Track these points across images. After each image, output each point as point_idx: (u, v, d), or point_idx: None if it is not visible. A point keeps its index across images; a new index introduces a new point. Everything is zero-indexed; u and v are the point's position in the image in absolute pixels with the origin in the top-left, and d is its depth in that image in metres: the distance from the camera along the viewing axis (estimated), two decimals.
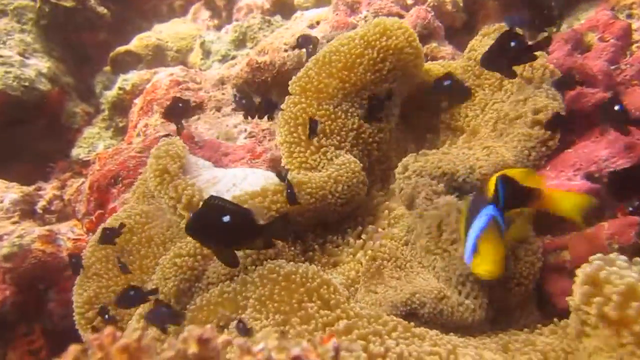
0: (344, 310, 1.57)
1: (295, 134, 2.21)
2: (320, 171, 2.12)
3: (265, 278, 1.67)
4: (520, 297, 1.68)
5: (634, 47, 2.11)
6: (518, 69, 1.93)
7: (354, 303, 1.66)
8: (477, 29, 3.74)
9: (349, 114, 2.24)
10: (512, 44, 1.75)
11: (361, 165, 2.13)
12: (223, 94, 3.13)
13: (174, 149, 2.14)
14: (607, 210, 1.67)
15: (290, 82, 2.30)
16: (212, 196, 1.58)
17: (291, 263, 1.75)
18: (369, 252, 1.91)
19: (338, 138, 2.21)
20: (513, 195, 1.51)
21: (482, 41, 2.38)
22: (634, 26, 3.02)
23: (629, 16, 3.10)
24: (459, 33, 3.68)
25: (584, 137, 1.88)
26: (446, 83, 2.20)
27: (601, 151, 1.73)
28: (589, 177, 1.71)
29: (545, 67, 1.94)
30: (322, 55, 2.26)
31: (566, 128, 1.84)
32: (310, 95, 2.24)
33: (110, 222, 2.27)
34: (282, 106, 2.28)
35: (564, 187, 1.71)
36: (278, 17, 4.69)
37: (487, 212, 1.49)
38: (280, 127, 2.25)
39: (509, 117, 1.98)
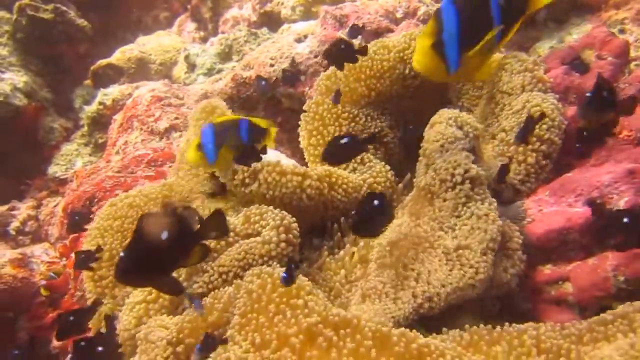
0: None
1: (319, 137, 2.22)
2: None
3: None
4: None
5: (632, 65, 2.04)
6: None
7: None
8: None
9: (370, 119, 2.28)
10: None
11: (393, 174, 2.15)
12: None
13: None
14: (610, 240, 1.57)
15: (317, 80, 2.35)
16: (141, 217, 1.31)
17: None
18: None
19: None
20: None
21: None
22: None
23: (621, 31, 3.04)
24: None
25: (583, 160, 1.80)
26: None
27: (603, 176, 1.63)
28: (590, 203, 1.62)
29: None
30: None
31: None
32: None
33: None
34: (305, 107, 2.29)
35: (564, 215, 1.61)
36: (265, 30, 4.61)
37: None
38: (303, 129, 2.26)
39: None
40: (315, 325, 1.41)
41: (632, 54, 2.25)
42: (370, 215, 1.50)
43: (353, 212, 1.48)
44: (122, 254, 1.24)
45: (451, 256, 1.57)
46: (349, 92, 2.28)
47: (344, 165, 2.15)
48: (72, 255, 2.29)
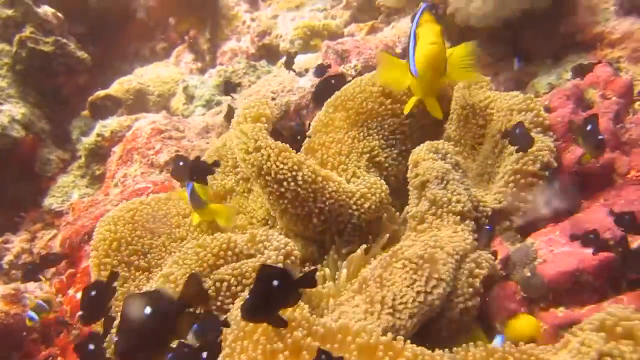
0: None
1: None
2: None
3: None
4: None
5: (636, 105, 2.05)
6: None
7: None
8: None
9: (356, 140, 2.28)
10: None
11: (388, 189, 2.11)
12: (207, 142, 3.00)
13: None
14: (624, 282, 1.55)
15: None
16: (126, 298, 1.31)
17: None
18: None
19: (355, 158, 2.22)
20: None
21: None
22: None
23: (617, 69, 3.09)
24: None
25: (593, 199, 1.79)
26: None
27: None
28: (603, 244, 1.60)
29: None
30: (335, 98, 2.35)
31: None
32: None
33: None
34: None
35: (577, 256, 1.59)
36: (264, 62, 4.64)
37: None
38: None
39: None
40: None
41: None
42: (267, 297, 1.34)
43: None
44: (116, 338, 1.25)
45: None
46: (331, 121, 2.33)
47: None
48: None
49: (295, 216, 2.01)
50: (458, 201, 1.77)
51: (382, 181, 2.12)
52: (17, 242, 3.18)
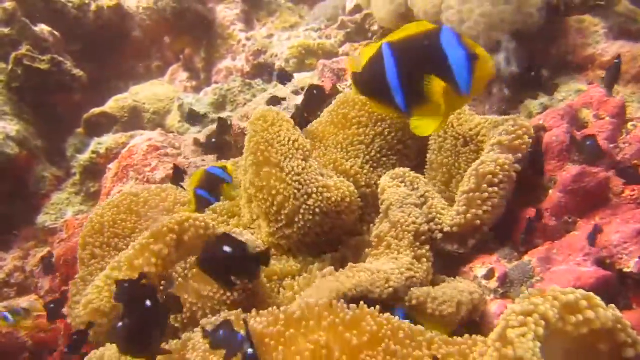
0: None
1: None
2: None
3: None
4: None
5: (629, 125, 2.08)
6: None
7: None
8: None
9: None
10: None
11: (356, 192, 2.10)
12: (203, 160, 3.00)
13: None
14: (620, 301, 1.56)
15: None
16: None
17: None
18: None
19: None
20: None
21: None
22: None
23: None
24: None
25: (588, 218, 1.80)
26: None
27: (612, 235, 1.64)
28: (600, 263, 1.61)
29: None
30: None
31: None
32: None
33: None
34: None
35: (574, 274, 1.60)
36: (259, 81, 4.67)
37: None
38: None
39: None
40: None
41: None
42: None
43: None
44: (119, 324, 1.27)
45: None
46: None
47: None
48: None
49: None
50: (413, 222, 1.86)
51: (351, 185, 2.11)
52: (9, 260, 3.15)
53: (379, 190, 2.03)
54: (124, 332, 1.25)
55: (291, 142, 2.02)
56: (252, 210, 2.18)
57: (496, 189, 1.84)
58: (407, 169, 2.07)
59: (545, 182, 1.91)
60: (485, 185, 1.84)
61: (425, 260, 1.82)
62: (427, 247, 1.86)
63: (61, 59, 3.97)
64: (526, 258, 1.75)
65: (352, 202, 2.06)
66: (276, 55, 4.82)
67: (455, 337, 1.37)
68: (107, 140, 3.64)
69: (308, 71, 4.26)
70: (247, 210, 2.23)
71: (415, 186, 2.00)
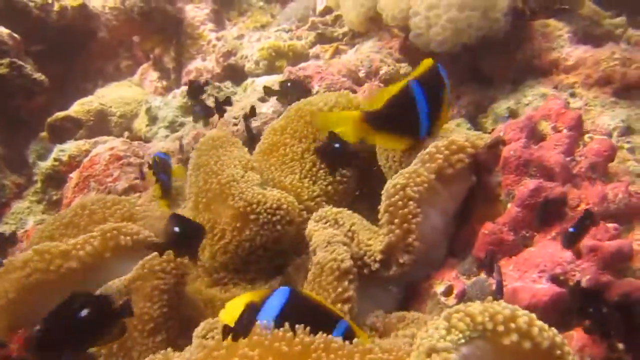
0: None
1: None
2: None
3: None
4: None
5: (586, 137, 2.10)
6: None
7: None
8: None
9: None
10: None
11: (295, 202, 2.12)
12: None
13: None
14: (575, 319, 1.57)
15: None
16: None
17: None
18: None
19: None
20: None
21: None
22: (577, 105, 3.10)
23: (572, 95, 3.18)
24: None
25: (544, 232, 1.81)
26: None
27: (565, 252, 1.65)
28: (554, 279, 1.62)
29: None
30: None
31: None
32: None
33: None
34: None
35: (529, 292, 1.61)
36: (228, 83, 4.62)
37: None
38: None
39: None
40: None
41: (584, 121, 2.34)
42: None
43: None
44: (36, 328, 1.28)
45: None
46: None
47: None
48: None
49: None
50: (334, 259, 1.76)
51: (289, 196, 2.13)
52: None
53: (307, 236, 1.95)
54: (34, 340, 1.26)
55: (233, 157, 2.04)
56: None
57: (412, 203, 1.83)
58: (329, 208, 2.01)
59: (504, 196, 1.91)
60: (402, 200, 1.84)
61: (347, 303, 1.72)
62: (352, 286, 1.75)
63: (21, 62, 3.86)
64: (483, 274, 1.75)
65: (289, 210, 2.06)
66: (246, 57, 4.77)
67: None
68: (70, 147, 3.56)
69: (278, 74, 4.23)
70: None
71: (340, 222, 1.93)
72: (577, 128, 2.03)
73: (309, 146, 2.31)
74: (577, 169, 1.92)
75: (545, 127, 2.10)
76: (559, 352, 1.18)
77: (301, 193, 2.23)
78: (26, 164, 3.94)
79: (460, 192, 2.01)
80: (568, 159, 1.93)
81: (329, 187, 2.27)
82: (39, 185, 3.59)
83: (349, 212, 2.03)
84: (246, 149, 2.25)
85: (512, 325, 1.18)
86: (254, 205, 2.02)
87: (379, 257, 1.86)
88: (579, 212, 1.79)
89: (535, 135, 2.05)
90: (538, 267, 1.66)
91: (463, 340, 1.17)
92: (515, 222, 1.84)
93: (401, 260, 1.85)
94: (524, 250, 1.77)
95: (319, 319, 1.40)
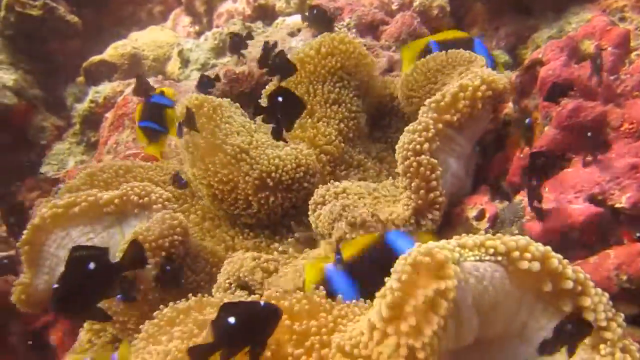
0: None
1: None
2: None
3: None
4: None
5: (632, 55, 1.97)
6: None
7: None
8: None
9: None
10: None
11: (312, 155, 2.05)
12: None
13: None
14: (612, 237, 1.52)
15: None
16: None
17: None
18: None
19: None
20: None
21: None
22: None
23: (622, 19, 2.98)
24: None
25: (583, 155, 1.73)
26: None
27: (603, 172, 1.58)
28: (592, 199, 1.56)
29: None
30: None
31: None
32: None
33: None
34: None
35: (564, 212, 1.56)
36: (259, 24, 4.53)
37: None
38: None
39: None
40: None
41: (633, 43, 2.19)
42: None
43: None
44: (55, 285, 1.29)
45: None
46: None
47: None
48: None
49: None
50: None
51: (304, 149, 2.04)
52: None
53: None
54: (56, 293, 1.26)
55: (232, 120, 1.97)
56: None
57: (428, 159, 1.74)
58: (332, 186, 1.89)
59: (541, 119, 1.83)
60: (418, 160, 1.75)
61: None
62: None
63: (54, 4, 3.88)
64: (517, 198, 1.71)
65: (309, 164, 1.99)
66: None
67: None
68: (105, 88, 3.60)
69: None
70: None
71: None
72: (623, 46, 1.91)
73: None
74: (621, 87, 1.81)
75: (588, 46, 1.98)
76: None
77: (317, 139, 2.15)
78: (64, 107, 4.02)
79: (477, 130, 1.92)
80: (612, 77, 1.82)
81: (342, 125, 2.18)
82: (77, 127, 3.67)
83: (353, 186, 1.90)
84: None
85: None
86: (273, 174, 1.95)
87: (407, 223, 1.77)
88: (621, 132, 1.71)
89: (576, 55, 1.94)
90: (575, 188, 1.60)
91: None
92: (553, 144, 1.77)
93: (430, 217, 1.77)
94: (560, 172, 1.70)
95: None
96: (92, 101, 3.58)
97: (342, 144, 2.16)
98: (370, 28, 2.98)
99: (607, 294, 1.19)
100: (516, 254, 1.16)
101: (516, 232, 1.60)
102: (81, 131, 3.64)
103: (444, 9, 3.32)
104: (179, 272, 1.75)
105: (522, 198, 1.69)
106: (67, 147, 3.62)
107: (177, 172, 2.21)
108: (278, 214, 2.06)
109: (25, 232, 1.95)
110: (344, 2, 3.11)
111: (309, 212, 1.84)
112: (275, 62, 2.08)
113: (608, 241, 1.51)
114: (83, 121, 3.63)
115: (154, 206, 1.87)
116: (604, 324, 1.14)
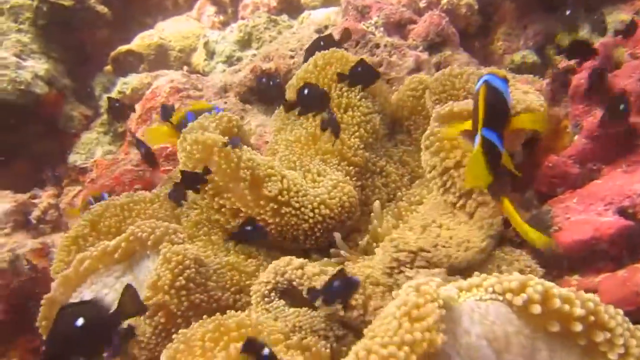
0: None
1: None
2: None
3: None
4: None
5: None
6: None
7: None
8: (492, 32, 3.59)
9: None
10: None
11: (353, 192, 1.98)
12: (225, 102, 2.98)
13: None
14: None
15: None
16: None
17: None
18: None
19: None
20: None
21: None
22: None
23: None
24: (473, 37, 3.53)
25: (613, 165, 1.73)
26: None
27: (635, 184, 1.57)
28: (621, 212, 1.56)
29: None
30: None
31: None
32: None
33: None
34: None
35: (593, 224, 1.56)
36: (285, 17, 4.54)
37: None
38: None
39: None
40: None
41: None
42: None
43: None
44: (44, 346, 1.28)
45: None
46: None
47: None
48: None
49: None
50: None
51: (346, 184, 1.97)
52: (44, 197, 3.27)
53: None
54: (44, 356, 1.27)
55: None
56: None
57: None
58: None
59: (571, 127, 1.82)
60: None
61: None
62: None
63: None
64: (545, 207, 1.70)
65: (352, 204, 1.94)
66: None
67: None
68: (132, 80, 3.65)
69: (335, 6, 4.10)
70: None
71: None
72: None
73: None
74: None
75: (622, 54, 1.96)
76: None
77: (345, 151, 2.11)
78: (93, 97, 4.09)
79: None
80: None
81: (362, 131, 2.13)
82: (105, 117, 3.74)
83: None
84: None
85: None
86: (319, 224, 1.89)
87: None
88: None
89: (610, 62, 1.93)
90: (604, 200, 1.60)
91: None
92: (582, 154, 1.76)
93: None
94: (590, 183, 1.70)
95: None
96: (120, 92, 3.63)
97: (366, 153, 2.14)
98: (397, 27, 2.96)
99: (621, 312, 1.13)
100: (510, 295, 1.10)
101: None
102: (109, 121, 3.70)
103: (472, 7, 3.28)
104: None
105: (550, 207, 1.69)
106: (95, 137, 3.68)
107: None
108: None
109: (41, 307, 1.94)
110: (371, 0, 3.09)
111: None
112: (357, 70, 2.08)
113: (638, 255, 1.51)
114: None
115: (164, 243, 1.78)
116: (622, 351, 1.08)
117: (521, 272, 1.52)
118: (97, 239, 2.05)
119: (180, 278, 1.67)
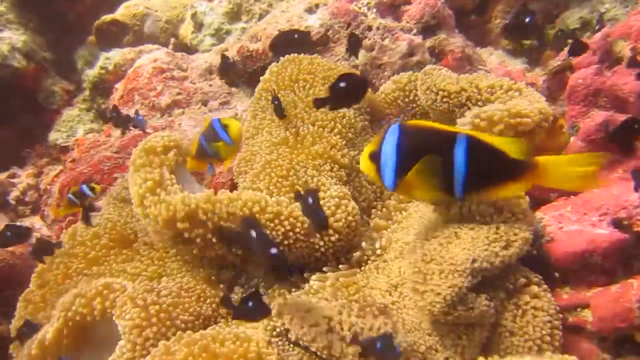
0: None
1: None
2: None
3: None
4: None
5: None
6: None
7: None
8: (489, 10, 3.47)
9: None
10: None
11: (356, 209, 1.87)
12: (210, 85, 2.87)
13: None
14: (636, 264, 1.46)
15: None
16: None
17: None
18: None
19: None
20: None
21: None
22: None
23: None
24: (470, 16, 3.41)
25: (610, 170, 1.66)
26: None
27: (632, 194, 1.51)
28: (616, 224, 1.50)
29: None
30: None
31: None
32: None
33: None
34: None
35: (587, 236, 1.50)
36: None
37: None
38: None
39: None
40: None
41: None
42: None
43: None
44: None
45: None
46: None
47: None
48: None
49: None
50: None
51: (349, 203, 1.85)
52: (23, 177, 3.17)
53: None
54: None
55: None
56: None
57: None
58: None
59: (567, 128, 1.75)
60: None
61: None
62: None
63: None
64: (538, 214, 1.64)
65: (356, 223, 1.85)
66: None
67: None
68: (115, 55, 3.49)
69: None
70: None
71: None
72: None
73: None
74: None
75: (623, 47, 1.88)
76: None
77: (332, 152, 1.99)
78: (75, 70, 3.93)
79: None
80: None
81: (339, 126, 2.03)
82: (87, 93, 3.57)
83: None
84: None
85: None
86: (331, 250, 1.81)
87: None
88: None
89: (609, 58, 1.84)
90: (600, 210, 1.54)
91: None
92: None
93: None
94: (584, 192, 1.63)
95: (436, 139, 1.37)
96: (102, 67, 3.48)
97: (352, 152, 2.04)
98: (391, 7, 2.83)
99: None
100: None
101: (534, 252, 1.55)
102: (91, 97, 3.56)
103: None
104: None
105: (542, 215, 1.63)
106: (77, 113, 3.55)
107: None
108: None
109: None
110: None
111: None
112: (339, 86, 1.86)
113: (632, 269, 1.46)
114: (93, 87, 3.54)
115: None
116: None
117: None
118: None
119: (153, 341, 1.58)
